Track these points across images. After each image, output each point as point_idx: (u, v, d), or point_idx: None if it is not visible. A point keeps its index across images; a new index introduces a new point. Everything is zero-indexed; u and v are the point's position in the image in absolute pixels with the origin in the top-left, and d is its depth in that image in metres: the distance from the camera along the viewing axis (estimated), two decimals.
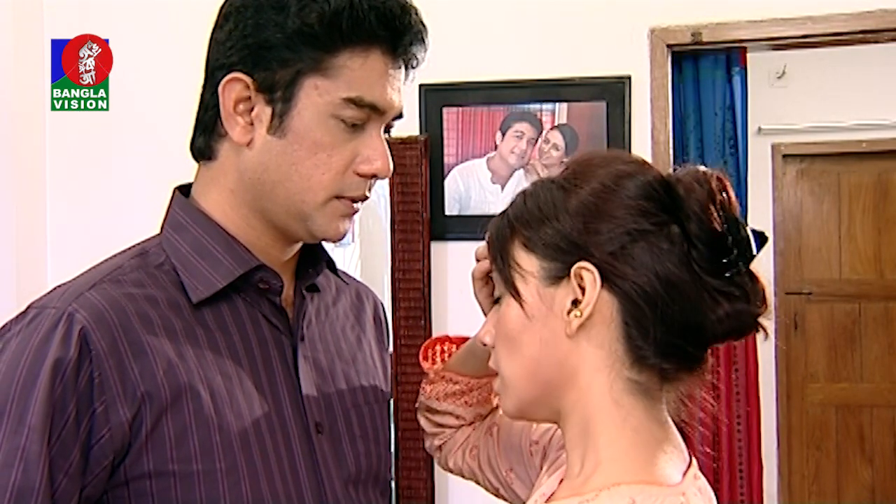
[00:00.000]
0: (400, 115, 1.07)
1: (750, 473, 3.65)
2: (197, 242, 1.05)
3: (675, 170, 0.94)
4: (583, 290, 0.89)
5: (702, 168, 0.92)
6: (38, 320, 0.95)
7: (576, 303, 0.89)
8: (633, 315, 0.88)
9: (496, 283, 0.98)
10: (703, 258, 0.88)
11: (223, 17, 1.04)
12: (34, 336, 0.93)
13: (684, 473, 0.90)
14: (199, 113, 1.07)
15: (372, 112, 1.02)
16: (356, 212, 1.07)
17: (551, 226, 0.91)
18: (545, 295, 0.91)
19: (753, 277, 0.90)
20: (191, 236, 1.05)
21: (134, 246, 1.08)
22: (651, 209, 0.89)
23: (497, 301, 0.98)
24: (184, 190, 1.11)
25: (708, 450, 3.43)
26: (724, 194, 0.90)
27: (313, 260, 1.15)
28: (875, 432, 5.05)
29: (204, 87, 1.06)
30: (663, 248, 0.88)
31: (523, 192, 0.97)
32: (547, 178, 0.97)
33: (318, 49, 0.99)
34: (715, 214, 0.88)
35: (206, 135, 1.06)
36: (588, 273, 0.88)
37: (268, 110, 1.01)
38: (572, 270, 0.89)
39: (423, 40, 1.06)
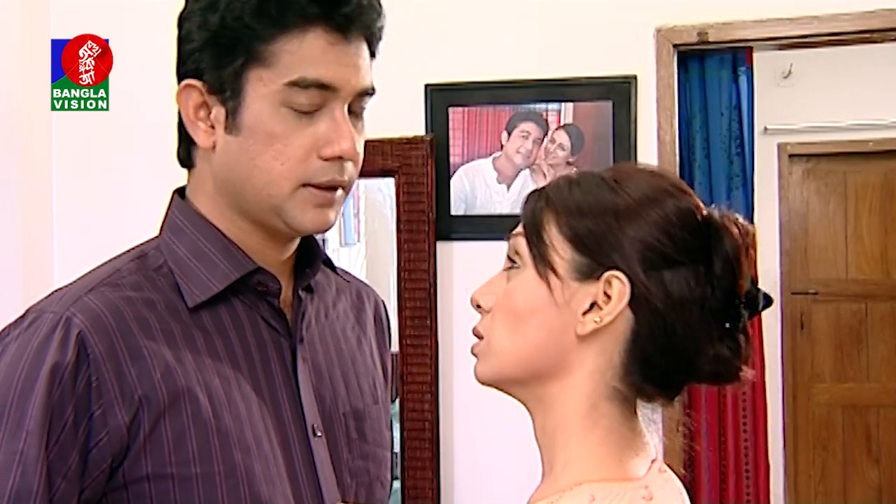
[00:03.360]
0: (368, 93, 1.05)
1: (756, 474, 3.65)
2: (194, 246, 1.05)
3: (710, 204, 0.95)
4: (608, 297, 0.89)
5: (736, 215, 0.93)
6: (36, 325, 0.95)
7: (593, 305, 0.90)
8: (642, 335, 0.90)
9: (518, 254, 0.95)
10: (716, 301, 0.90)
11: (178, 27, 1.05)
12: (32, 340, 0.94)
13: (649, 468, 0.92)
14: (177, 124, 1.08)
15: (324, 92, 0.99)
16: (334, 201, 1.04)
17: (594, 221, 0.90)
18: (567, 287, 0.90)
19: (747, 336, 0.93)
20: (188, 239, 1.05)
21: (133, 248, 1.08)
22: (691, 244, 0.90)
23: (511, 267, 0.96)
24: (183, 192, 1.11)
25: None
26: (752, 251, 0.92)
27: (310, 260, 1.14)
28: (882, 432, 5.04)
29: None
30: (689, 284, 0.89)
31: (567, 179, 0.96)
32: (591, 171, 0.96)
33: (254, 40, 0.98)
34: (743, 265, 0.90)
35: (184, 144, 1.07)
36: (620, 284, 0.88)
37: (222, 110, 1.01)
38: (605, 275, 0.89)
39: (370, 6, 1.03)
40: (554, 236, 0.91)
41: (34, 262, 2.75)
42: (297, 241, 1.11)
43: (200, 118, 1.03)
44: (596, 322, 0.89)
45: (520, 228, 0.95)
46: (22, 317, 0.98)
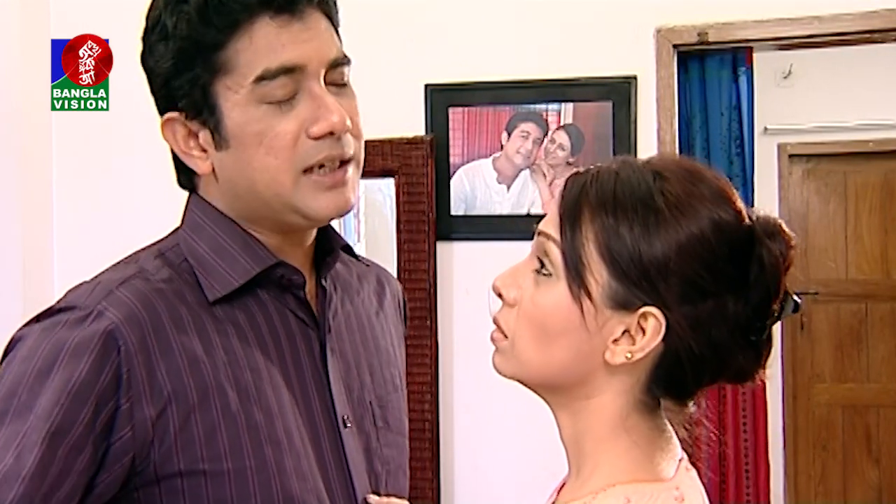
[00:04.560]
0: (340, 62, 1.02)
1: (756, 474, 3.65)
2: (214, 242, 1.05)
3: (753, 207, 0.92)
4: (642, 329, 0.87)
5: (783, 226, 0.90)
6: (62, 316, 0.95)
7: (625, 332, 0.88)
8: (670, 362, 0.89)
9: (550, 260, 0.91)
10: (746, 319, 0.89)
11: (144, 72, 1.05)
12: (57, 329, 0.94)
13: (677, 468, 0.92)
14: (171, 154, 1.08)
15: (294, 75, 0.98)
16: (344, 180, 1.02)
17: (636, 249, 0.86)
18: (601, 314, 0.88)
19: (770, 340, 0.91)
20: (208, 236, 1.05)
21: (147, 248, 1.08)
22: (733, 275, 0.87)
23: (541, 268, 0.92)
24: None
25: (714, 432, 3.42)
26: (790, 264, 0.90)
27: (329, 248, 1.13)
28: (882, 432, 5.04)
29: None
30: (724, 312, 0.88)
31: (613, 174, 0.91)
32: (634, 166, 0.92)
33: (209, 52, 0.98)
34: (781, 283, 0.89)
35: (185, 174, 1.08)
36: (655, 322, 0.87)
37: (207, 132, 1.01)
38: (641, 309, 0.87)
39: None
40: (592, 256, 0.88)
41: (34, 262, 2.75)
42: (315, 231, 1.11)
43: (192, 147, 1.03)
44: (627, 357, 0.88)
45: (552, 229, 0.91)
46: (48, 310, 0.98)
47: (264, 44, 0.97)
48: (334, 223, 1.12)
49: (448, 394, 2.66)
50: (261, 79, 0.97)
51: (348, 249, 1.19)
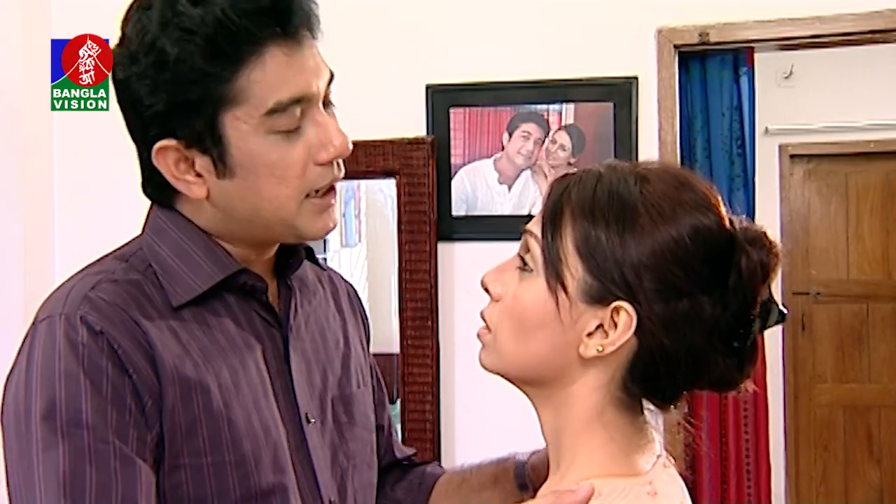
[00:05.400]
0: (329, 82, 1.02)
1: (757, 474, 3.64)
2: (177, 246, 1.04)
3: (739, 215, 0.93)
4: (614, 323, 0.89)
5: (767, 235, 0.92)
6: (50, 330, 0.94)
7: (599, 327, 0.89)
8: (644, 360, 0.90)
9: (531, 252, 0.94)
10: (726, 324, 0.90)
11: (118, 89, 1.02)
12: (56, 346, 0.93)
13: (654, 464, 0.93)
14: (142, 168, 1.05)
15: (302, 104, 0.98)
16: (332, 203, 1.05)
17: (612, 246, 0.88)
18: (575, 307, 0.90)
19: (755, 348, 0.92)
20: (171, 240, 1.05)
21: (109, 254, 1.07)
22: (705, 274, 0.89)
23: (524, 265, 0.95)
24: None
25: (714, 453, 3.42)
26: (772, 273, 0.91)
27: (291, 251, 1.14)
28: (883, 433, 5.03)
29: (136, 146, 1.04)
30: (699, 313, 0.89)
31: (595, 176, 0.93)
32: (619, 168, 0.93)
33: (217, 84, 0.95)
34: (759, 289, 0.90)
35: (162, 191, 1.05)
36: (627, 316, 0.88)
37: (207, 159, 0.98)
38: (613, 303, 0.88)
39: (308, 8, 0.99)
40: (569, 252, 0.90)
41: (35, 263, 2.75)
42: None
43: (185, 172, 1.00)
44: (598, 350, 0.90)
45: (536, 227, 0.94)
46: (32, 330, 0.97)
47: (277, 74, 0.96)
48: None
49: (448, 394, 2.66)
50: (273, 111, 0.96)
51: (309, 252, 1.19)
